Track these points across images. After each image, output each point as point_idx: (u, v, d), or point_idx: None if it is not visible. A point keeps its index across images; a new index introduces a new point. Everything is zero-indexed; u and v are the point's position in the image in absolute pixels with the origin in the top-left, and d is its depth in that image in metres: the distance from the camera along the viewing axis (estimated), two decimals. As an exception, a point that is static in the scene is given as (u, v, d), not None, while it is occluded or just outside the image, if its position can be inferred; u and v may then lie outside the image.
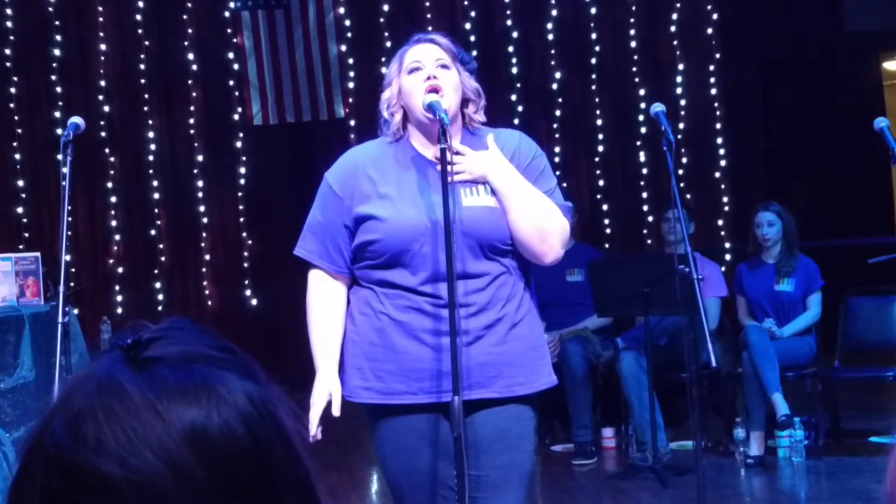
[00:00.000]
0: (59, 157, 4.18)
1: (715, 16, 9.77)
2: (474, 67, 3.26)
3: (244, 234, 9.84)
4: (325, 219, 3.21)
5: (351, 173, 3.18)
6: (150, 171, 9.75)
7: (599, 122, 9.85)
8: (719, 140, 9.74)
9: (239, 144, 9.81)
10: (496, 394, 3.10)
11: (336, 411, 3.13)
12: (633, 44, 9.81)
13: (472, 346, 3.07)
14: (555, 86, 9.81)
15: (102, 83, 9.65)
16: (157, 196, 9.75)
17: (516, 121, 9.47)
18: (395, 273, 3.09)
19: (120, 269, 9.68)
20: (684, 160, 9.58)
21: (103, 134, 9.58)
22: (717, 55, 9.77)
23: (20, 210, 9.47)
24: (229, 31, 9.75)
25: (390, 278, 3.10)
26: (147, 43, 9.74)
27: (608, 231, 9.71)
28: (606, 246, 9.46)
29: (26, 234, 9.40)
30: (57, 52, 9.57)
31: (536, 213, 3.11)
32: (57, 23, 9.59)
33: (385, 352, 3.10)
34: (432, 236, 3.05)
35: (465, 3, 9.81)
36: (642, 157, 9.70)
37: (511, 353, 3.12)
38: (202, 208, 9.78)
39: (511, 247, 3.14)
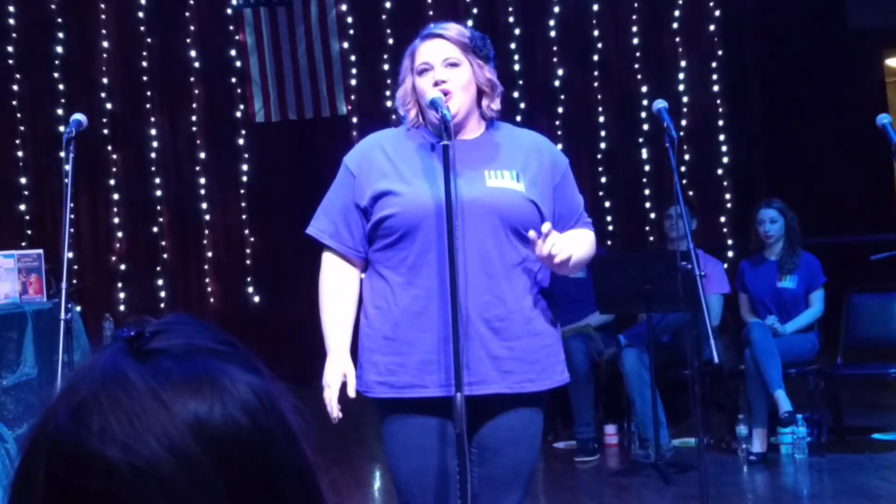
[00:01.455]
0: (62, 154, 4.19)
1: (717, 12, 9.77)
2: (490, 52, 3.23)
3: (246, 232, 9.84)
4: (337, 198, 3.22)
5: (367, 154, 3.19)
6: (153, 169, 9.75)
7: (602, 118, 9.85)
8: (721, 137, 9.75)
9: (241, 142, 9.81)
10: (507, 389, 3.09)
11: (351, 392, 3.12)
12: (636, 40, 9.81)
13: (488, 340, 3.07)
14: (557, 82, 9.81)
15: (105, 80, 9.66)
16: (159, 193, 9.75)
17: (518, 118, 9.47)
18: (409, 252, 3.08)
19: (122, 267, 9.68)
20: (686, 157, 9.58)
21: (106, 131, 9.58)
22: (720, 52, 9.78)
23: (23, 207, 9.48)
24: (231, 28, 9.76)
25: (405, 259, 3.08)
26: (149, 40, 9.75)
27: (610, 228, 9.71)
28: (609, 243, 9.46)
29: (29, 231, 9.40)
30: (59, 49, 9.57)
31: (586, 258, 3.26)
32: (59, 20, 9.59)
33: (400, 345, 3.09)
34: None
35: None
36: (644, 153, 9.70)
37: (525, 349, 3.11)
38: (204, 205, 9.78)
39: None
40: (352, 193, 3.17)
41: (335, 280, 3.21)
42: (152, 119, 9.76)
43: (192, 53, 9.77)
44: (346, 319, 3.19)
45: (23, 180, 9.50)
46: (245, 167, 9.82)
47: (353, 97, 9.68)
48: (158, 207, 9.76)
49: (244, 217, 9.82)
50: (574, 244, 3.13)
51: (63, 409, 0.91)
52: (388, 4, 9.75)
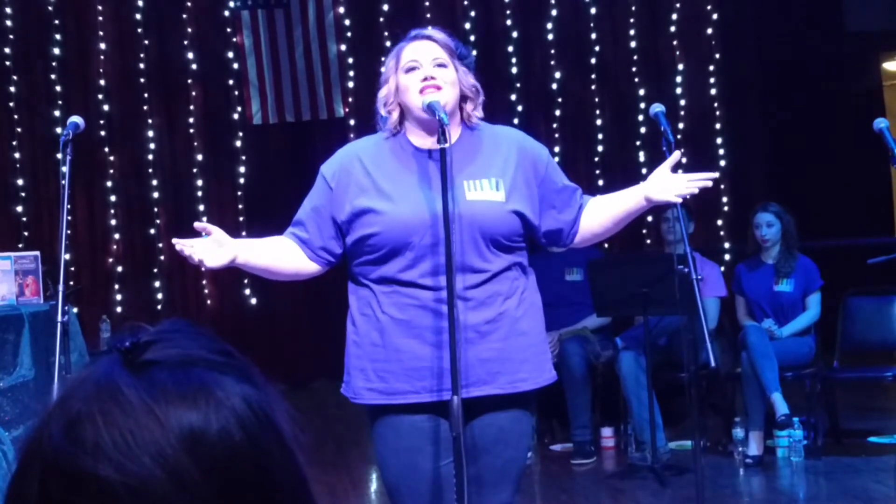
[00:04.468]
0: (59, 156, 4.19)
1: (715, 16, 9.77)
2: (472, 62, 3.26)
3: (243, 234, 9.82)
4: (309, 203, 3.25)
5: (346, 167, 3.18)
6: (150, 170, 9.74)
7: (599, 121, 9.85)
8: (719, 140, 9.75)
9: (238, 144, 9.81)
10: (499, 390, 3.10)
11: (210, 260, 3.13)
12: (633, 44, 9.82)
13: (475, 343, 3.07)
14: (554, 85, 9.81)
15: (102, 82, 9.65)
16: (156, 195, 9.74)
17: (516, 120, 9.47)
18: (395, 267, 3.08)
19: (119, 268, 9.67)
20: (684, 160, 9.55)
21: (103, 133, 9.58)
22: (717, 55, 9.78)
23: (20, 209, 9.47)
24: (229, 30, 9.75)
25: (389, 273, 3.09)
26: (147, 42, 9.74)
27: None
28: (605, 245, 9.45)
29: (26, 233, 9.39)
30: (56, 51, 9.56)
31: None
32: (56, 22, 9.59)
33: (387, 352, 3.09)
34: (432, 229, 3.04)
35: (465, 2, 9.82)
36: (642, 156, 9.71)
37: (513, 349, 3.12)
38: (201, 207, 9.78)
39: (515, 242, 3.15)
40: (329, 206, 3.17)
41: (275, 238, 3.27)
42: (149, 121, 9.75)
43: (190, 55, 9.76)
44: (259, 244, 3.24)
45: (20, 182, 9.49)
46: (242, 169, 9.82)
47: (350, 99, 9.67)
48: (155, 209, 9.75)
49: (241, 219, 9.82)
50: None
51: (57, 425, 0.91)
52: (385, 7, 9.76)
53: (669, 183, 3.26)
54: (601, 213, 3.31)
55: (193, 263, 3.13)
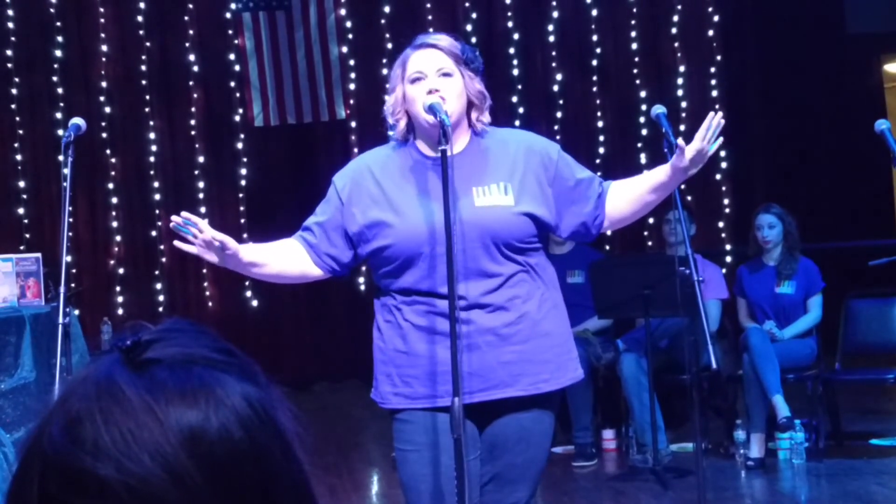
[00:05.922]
0: (60, 158, 4.17)
1: (716, 17, 9.78)
2: (480, 66, 3.26)
3: (245, 236, 9.82)
4: (321, 212, 3.29)
5: (357, 180, 3.23)
6: (151, 172, 9.75)
7: (600, 123, 9.86)
8: (720, 141, 9.75)
9: (240, 146, 9.81)
10: (521, 392, 3.14)
11: (210, 251, 3.14)
12: (634, 45, 9.82)
13: (495, 346, 3.11)
14: (556, 87, 9.81)
15: (103, 84, 9.66)
16: (157, 197, 9.75)
17: (517, 122, 9.47)
18: (411, 277, 3.13)
19: (121, 270, 9.68)
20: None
21: (104, 135, 9.58)
22: (718, 57, 9.79)
23: (21, 211, 9.48)
24: (230, 32, 9.76)
25: (407, 284, 3.14)
26: (148, 44, 9.75)
27: (609, 232, 9.70)
28: (607, 248, 9.46)
29: (27, 235, 9.40)
30: (58, 53, 9.57)
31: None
32: (58, 24, 9.59)
33: (409, 357, 3.15)
34: (443, 238, 3.06)
35: (466, 4, 9.82)
36: (643, 158, 9.71)
37: (535, 350, 3.15)
38: (203, 209, 9.77)
39: (529, 244, 3.16)
40: (340, 218, 3.22)
41: (282, 242, 3.29)
42: (151, 123, 9.75)
43: (192, 57, 9.77)
44: (261, 250, 3.25)
45: (21, 184, 9.50)
46: (244, 171, 9.82)
47: (351, 101, 9.68)
48: (157, 211, 9.75)
49: (242, 221, 9.82)
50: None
51: (57, 424, 0.91)
52: (386, 9, 9.76)
53: (696, 152, 3.28)
54: (628, 193, 3.29)
55: (189, 243, 3.14)
